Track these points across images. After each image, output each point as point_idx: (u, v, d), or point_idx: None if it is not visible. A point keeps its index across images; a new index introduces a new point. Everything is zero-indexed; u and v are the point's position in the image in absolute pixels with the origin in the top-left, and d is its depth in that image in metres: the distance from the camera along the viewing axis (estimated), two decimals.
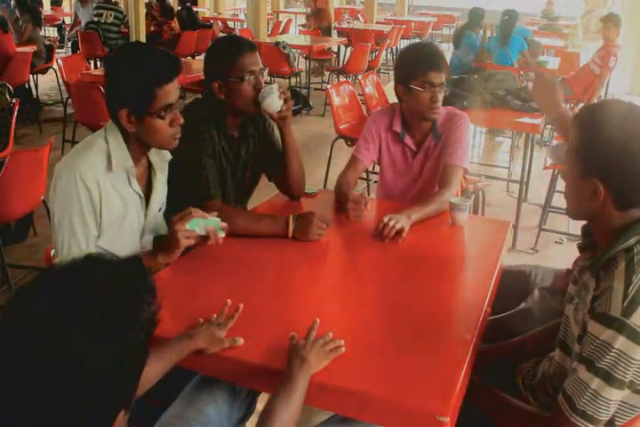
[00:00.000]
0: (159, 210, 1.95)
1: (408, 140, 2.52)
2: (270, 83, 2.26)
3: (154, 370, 1.36)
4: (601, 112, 1.34)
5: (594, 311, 1.27)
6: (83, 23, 8.52)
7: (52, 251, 1.90)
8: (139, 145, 1.78)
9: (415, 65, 2.36)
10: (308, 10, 10.13)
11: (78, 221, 1.70)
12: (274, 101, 2.10)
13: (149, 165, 1.89)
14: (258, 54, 2.18)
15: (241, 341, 1.44)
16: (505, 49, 6.38)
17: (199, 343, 1.43)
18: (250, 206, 2.43)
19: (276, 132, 2.36)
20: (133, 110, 1.69)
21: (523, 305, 1.92)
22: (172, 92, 1.71)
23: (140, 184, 1.84)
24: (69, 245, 1.70)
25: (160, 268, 1.90)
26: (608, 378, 1.22)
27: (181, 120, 1.75)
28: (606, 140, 1.28)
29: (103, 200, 1.72)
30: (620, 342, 1.21)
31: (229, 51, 2.15)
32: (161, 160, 1.92)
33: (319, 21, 9.76)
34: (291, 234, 2.01)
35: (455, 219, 2.17)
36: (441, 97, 2.37)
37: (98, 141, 1.75)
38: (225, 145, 2.22)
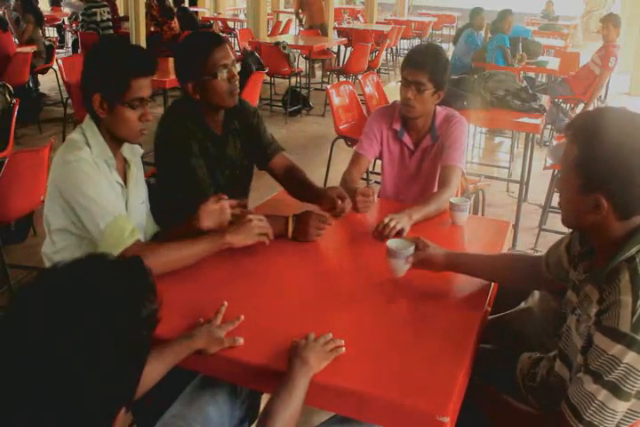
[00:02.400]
0: (141, 203, 1.98)
1: (406, 138, 2.53)
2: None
3: (154, 371, 1.36)
4: (599, 123, 1.29)
5: (600, 324, 1.25)
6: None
7: (47, 244, 1.90)
8: (111, 137, 1.81)
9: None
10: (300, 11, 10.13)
11: (98, 193, 1.72)
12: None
13: (125, 160, 1.93)
14: (227, 46, 2.14)
15: (241, 340, 1.45)
16: (491, 45, 6.43)
17: (199, 344, 1.43)
18: (250, 206, 2.43)
19: (262, 124, 2.39)
20: (107, 96, 1.73)
21: (523, 305, 1.92)
22: (146, 86, 1.76)
23: (120, 177, 1.88)
24: (103, 216, 1.71)
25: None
26: (616, 391, 1.21)
27: (150, 117, 1.80)
28: (610, 156, 1.23)
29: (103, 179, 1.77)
30: (630, 356, 1.19)
31: (197, 50, 2.12)
32: (133, 155, 1.96)
33: (309, 21, 9.73)
34: (290, 234, 2.02)
35: (455, 219, 2.17)
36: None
37: (76, 137, 1.79)
38: (209, 145, 2.21)
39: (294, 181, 2.34)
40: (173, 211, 1.98)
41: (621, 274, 1.25)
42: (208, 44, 2.12)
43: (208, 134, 2.21)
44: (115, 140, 1.83)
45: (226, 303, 1.57)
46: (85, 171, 1.72)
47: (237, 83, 2.15)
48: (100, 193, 1.73)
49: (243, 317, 1.54)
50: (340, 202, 2.09)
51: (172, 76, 5.42)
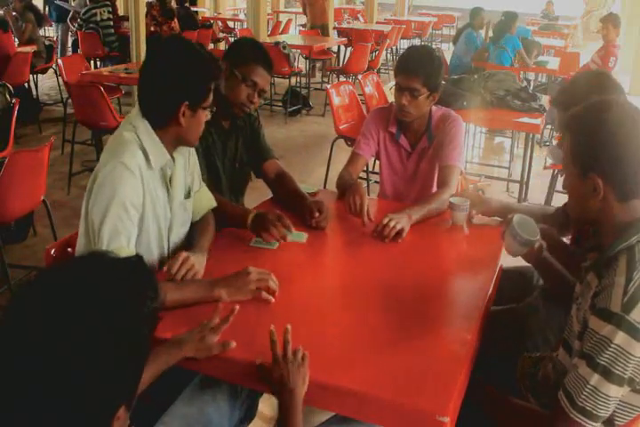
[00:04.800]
0: (185, 197, 1.93)
1: (403, 140, 2.53)
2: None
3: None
4: (585, 112, 1.38)
5: (595, 307, 1.28)
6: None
7: (50, 249, 1.89)
8: (170, 142, 1.78)
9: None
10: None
11: (123, 212, 1.65)
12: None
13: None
14: (270, 76, 2.25)
15: (233, 344, 1.42)
16: (497, 46, 6.46)
17: (188, 352, 1.40)
18: (249, 206, 2.43)
19: (262, 130, 2.46)
20: (192, 103, 1.72)
21: (528, 300, 1.92)
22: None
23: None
24: (113, 238, 1.63)
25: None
26: (607, 374, 1.22)
27: (209, 116, 1.82)
28: (595, 133, 1.31)
29: (145, 193, 1.71)
30: (620, 337, 1.21)
31: (256, 54, 2.23)
32: (180, 153, 1.89)
33: (310, 21, 9.75)
34: (249, 228, 2.00)
35: (455, 219, 2.17)
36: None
37: (130, 139, 1.72)
38: (215, 135, 2.28)
39: (283, 188, 2.37)
40: None
41: (620, 260, 1.28)
42: (263, 59, 2.22)
43: (215, 124, 2.26)
44: (173, 145, 1.80)
45: (221, 305, 1.53)
46: (123, 185, 1.64)
47: (254, 106, 2.25)
48: (121, 216, 1.64)
49: (238, 307, 1.50)
50: (317, 214, 2.10)
51: None
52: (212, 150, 2.27)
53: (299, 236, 1.97)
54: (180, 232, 1.93)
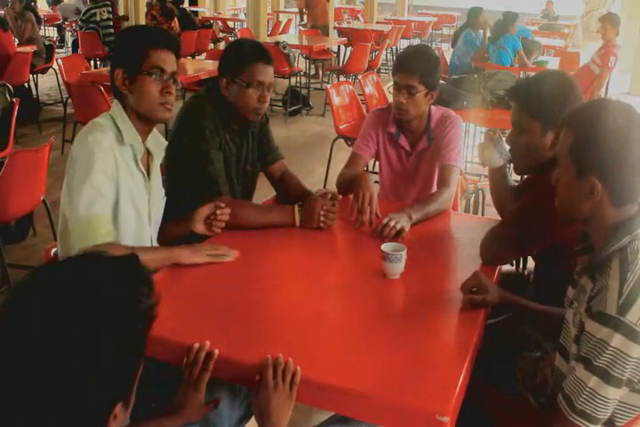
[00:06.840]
0: (162, 197, 1.97)
1: (402, 140, 2.53)
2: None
3: None
4: (592, 111, 1.36)
5: (590, 310, 1.27)
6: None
7: (55, 250, 1.90)
8: (139, 122, 1.80)
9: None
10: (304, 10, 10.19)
11: (101, 180, 1.69)
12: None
13: (147, 152, 1.91)
14: (271, 69, 2.20)
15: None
16: (496, 46, 6.48)
17: (182, 420, 1.37)
18: None
19: (270, 129, 2.46)
20: (127, 69, 1.76)
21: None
22: (166, 60, 1.77)
23: (144, 167, 1.86)
24: (92, 204, 1.67)
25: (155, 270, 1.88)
26: (605, 376, 1.22)
27: (173, 90, 1.79)
28: (602, 137, 1.30)
29: (119, 169, 1.74)
30: (617, 339, 1.21)
31: (247, 55, 2.17)
32: (157, 146, 1.92)
33: (311, 22, 9.78)
34: (298, 223, 2.08)
35: (386, 271, 1.79)
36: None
37: (103, 121, 1.79)
38: (228, 138, 2.25)
39: (290, 186, 2.39)
40: (181, 203, 1.99)
41: (612, 262, 1.28)
42: (259, 56, 2.17)
43: (228, 127, 2.24)
44: (142, 124, 1.81)
45: (216, 351, 1.40)
46: (97, 156, 1.69)
47: (266, 105, 2.20)
48: (101, 184, 1.69)
49: (217, 351, 1.39)
50: (329, 222, 2.11)
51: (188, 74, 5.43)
52: (227, 155, 2.25)
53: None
54: (153, 231, 1.93)
